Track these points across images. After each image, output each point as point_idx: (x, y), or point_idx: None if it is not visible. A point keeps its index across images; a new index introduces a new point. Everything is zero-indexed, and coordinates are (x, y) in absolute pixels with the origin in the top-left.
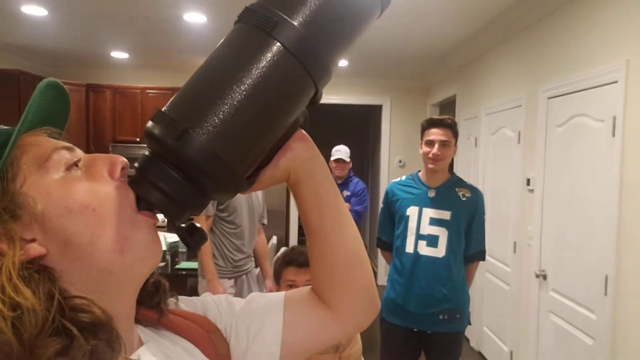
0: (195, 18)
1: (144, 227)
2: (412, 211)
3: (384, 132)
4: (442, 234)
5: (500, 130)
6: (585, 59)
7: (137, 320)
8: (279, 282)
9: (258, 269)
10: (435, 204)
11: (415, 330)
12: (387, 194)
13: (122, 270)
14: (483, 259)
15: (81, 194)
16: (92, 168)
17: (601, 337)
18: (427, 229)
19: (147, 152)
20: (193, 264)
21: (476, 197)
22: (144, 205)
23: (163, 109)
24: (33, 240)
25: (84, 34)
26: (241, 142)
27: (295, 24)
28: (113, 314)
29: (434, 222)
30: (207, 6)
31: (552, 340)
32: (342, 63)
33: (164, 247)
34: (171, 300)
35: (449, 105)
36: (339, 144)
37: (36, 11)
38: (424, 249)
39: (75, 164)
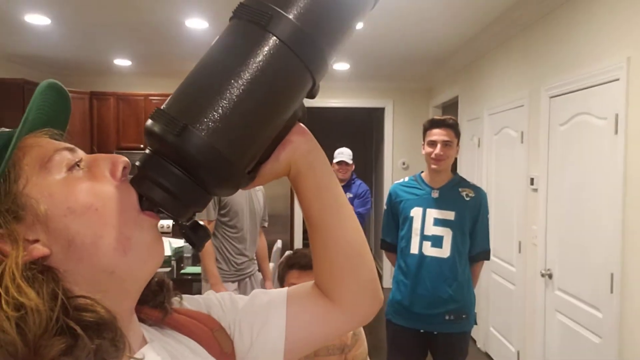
0: (196, 24)
1: (146, 227)
2: (416, 212)
3: (387, 135)
4: (447, 234)
5: (503, 130)
6: (586, 57)
7: (142, 320)
8: (282, 284)
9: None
10: (439, 204)
11: (421, 331)
12: (390, 195)
13: (125, 270)
14: (488, 258)
15: (83, 194)
16: (94, 168)
17: (608, 335)
18: (432, 230)
19: (147, 150)
20: (198, 269)
21: (480, 196)
22: (147, 204)
23: (162, 107)
24: (36, 241)
25: (87, 42)
26: (241, 137)
27: (290, 17)
28: (117, 313)
29: (438, 222)
30: (209, 12)
31: (559, 339)
32: (344, 66)
33: (169, 252)
34: (175, 300)
35: (451, 107)
36: (342, 147)
37: (39, 20)
38: (429, 250)
39: (77, 164)
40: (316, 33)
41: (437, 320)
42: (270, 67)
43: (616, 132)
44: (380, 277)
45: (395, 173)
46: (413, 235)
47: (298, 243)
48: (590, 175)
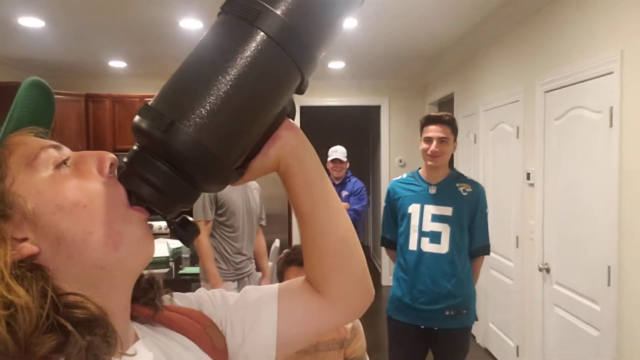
0: (191, 24)
1: (135, 222)
2: (413, 208)
3: (383, 133)
4: (445, 230)
5: (499, 126)
6: (580, 51)
7: (133, 317)
8: (281, 281)
9: (259, 274)
10: (436, 200)
11: (422, 327)
12: (388, 192)
13: (115, 266)
14: (488, 253)
15: (71, 191)
16: (81, 165)
17: (606, 328)
18: (429, 226)
19: (135, 147)
20: (196, 269)
21: (477, 191)
22: (135, 200)
23: (149, 103)
24: (25, 240)
25: (81, 45)
26: (229, 133)
27: (278, 12)
28: (108, 309)
29: (435, 218)
30: (203, 12)
31: (558, 333)
32: (339, 65)
33: (167, 254)
34: (166, 297)
35: (447, 103)
36: (338, 145)
37: (33, 23)
38: (427, 246)
39: (64, 162)
40: (304, 29)
41: (437, 316)
42: (258, 63)
43: (611, 125)
44: (379, 275)
45: (392, 170)
46: (411, 231)
47: (296, 242)
48: (586, 168)
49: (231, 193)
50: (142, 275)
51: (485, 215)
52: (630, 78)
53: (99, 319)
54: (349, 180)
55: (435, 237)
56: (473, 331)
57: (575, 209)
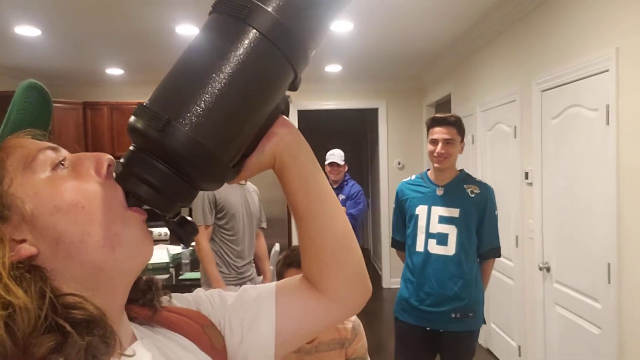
0: (187, 30)
1: (134, 224)
2: (421, 210)
3: (381, 135)
4: (452, 231)
5: (497, 126)
6: (575, 49)
7: (132, 318)
8: None
9: (261, 277)
10: (443, 201)
11: (428, 329)
12: (397, 194)
13: (113, 267)
14: (498, 255)
15: (69, 192)
16: (79, 167)
17: (607, 325)
18: (437, 227)
19: (131, 147)
20: (197, 274)
21: (486, 193)
22: (133, 201)
23: (144, 103)
24: (23, 241)
25: (78, 53)
26: (225, 130)
27: (269, 9)
28: (106, 310)
29: (443, 220)
30: (199, 18)
31: (559, 332)
32: (336, 68)
33: (167, 259)
34: (164, 298)
35: (444, 105)
36: (337, 148)
37: (29, 32)
38: (434, 248)
39: (61, 163)
40: (296, 25)
41: (443, 318)
42: (251, 60)
43: (607, 122)
44: (379, 277)
45: (391, 173)
46: (418, 233)
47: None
48: (584, 166)
49: (230, 196)
50: (140, 277)
51: (495, 217)
52: (625, 75)
53: (98, 320)
54: (347, 184)
55: (442, 239)
56: None
57: (574, 207)
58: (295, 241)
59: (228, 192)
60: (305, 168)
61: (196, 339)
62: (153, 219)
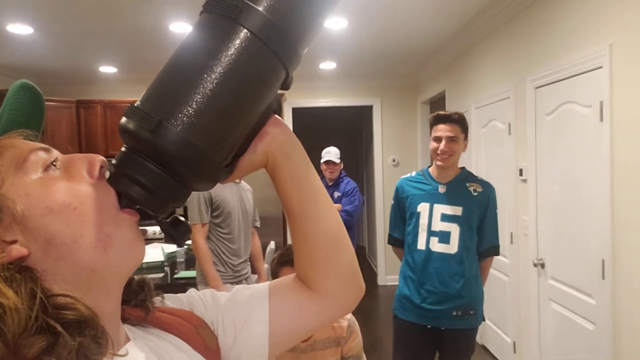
0: (180, 28)
1: (126, 225)
2: (423, 207)
3: (376, 132)
4: (454, 230)
5: (491, 123)
6: (569, 46)
7: (124, 319)
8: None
9: (255, 276)
10: (446, 199)
11: (428, 326)
12: (397, 190)
13: (105, 268)
14: (497, 254)
15: (61, 194)
16: (71, 168)
17: (602, 321)
18: (439, 225)
19: (123, 148)
20: (192, 273)
21: (488, 191)
22: (126, 202)
23: (136, 104)
24: (14, 242)
25: (70, 51)
26: (216, 130)
27: (260, 9)
28: (98, 311)
29: (445, 218)
30: (192, 15)
31: (554, 328)
32: (331, 65)
33: (162, 258)
34: (157, 299)
35: (439, 102)
36: (331, 146)
37: (22, 30)
38: (436, 246)
39: (53, 163)
40: (287, 24)
41: (444, 316)
42: (243, 59)
43: (601, 119)
44: (375, 274)
45: (385, 170)
46: (420, 230)
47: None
48: (578, 163)
49: (226, 195)
50: (132, 278)
51: (495, 215)
52: (619, 72)
53: (89, 320)
54: (342, 181)
55: (444, 237)
56: None
57: (569, 204)
58: (290, 240)
59: (223, 191)
60: (297, 167)
61: (189, 339)
62: (146, 218)
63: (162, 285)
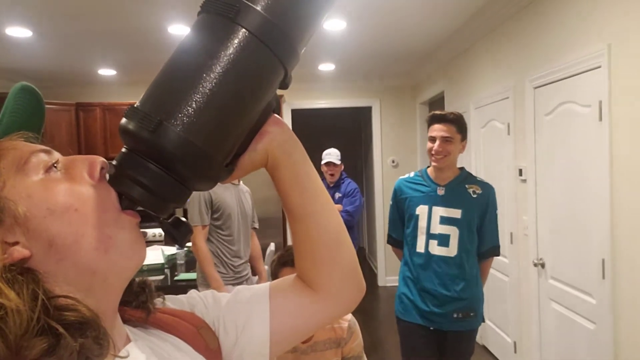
0: (179, 30)
1: (127, 226)
2: (421, 210)
3: (375, 133)
4: (453, 232)
5: (490, 123)
6: (568, 46)
7: (125, 320)
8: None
9: (256, 277)
10: (445, 202)
11: (431, 328)
12: (395, 191)
13: (107, 269)
14: (497, 254)
15: (62, 195)
16: (72, 169)
17: (602, 320)
18: (438, 228)
19: (124, 149)
20: (192, 275)
21: (487, 192)
22: (127, 203)
23: (135, 104)
24: (16, 243)
25: (69, 53)
26: (217, 130)
27: (258, 8)
28: (100, 312)
29: (444, 220)
30: (191, 17)
31: (554, 327)
32: (329, 67)
33: (162, 260)
34: (158, 300)
35: (437, 102)
36: (331, 147)
37: (20, 33)
38: (435, 249)
39: (54, 165)
40: (285, 23)
41: (445, 318)
42: (241, 59)
43: (600, 119)
44: (375, 275)
45: (385, 171)
46: (419, 233)
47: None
48: (577, 163)
49: (225, 196)
50: (133, 279)
51: (495, 216)
52: (617, 72)
53: (91, 322)
54: (343, 182)
55: (443, 240)
56: None
57: (568, 204)
58: (290, 241)
59: (223, 193)
60: (298, 166)
61: (190, 340)
62: (147, 220)
63: (162, 288)
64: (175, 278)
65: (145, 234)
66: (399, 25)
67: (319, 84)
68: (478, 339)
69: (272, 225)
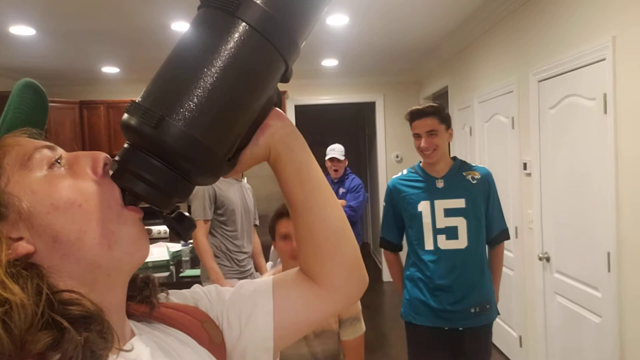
0: (182, 27)
1: (130, 222)
2: (423, 206)
3: (379, 129)
4: (461, 223)
5: (494, 117)
6: (572, 38)
7: (129, 315)
8: (274, 237)
9: (258, 274)
10: (446, 193)
11: (446, 328)
12: (390, 192)
13: (110, 264)
14: (508, 237)
15: (66, 191)
16: (75, 165)
17: (608, 314)
18: (444, 222)
19: (126, 145)
20: (197, 272)
21: (486, 176)
22: (130, 199)
23: (137, 100)
24: (20, 239)
25: (73, 52)
26: (218, 124)
27: (258, 2)
28: (104, 306)
29: (449, 212)
30: (194, 13)
31: (560, 321)
32: (333, 62)
33: (167, 257)
34: (162, 295)
35: (441, 97)
36: (335, 143)
37: (24, 31)
38: (445, 243)
39: (57, 161)
40: (285, 17)
41: (462, 315)
42: (242, 53)
43: (605, 111)
44: (380, 271)
45: (389, 167)
46: (425, 230)
47: None
48: (582, 156)
49: (229, 193)
50: (137, 274)
51: (498, 198)
52: (622, 64)
53: (95, 316)
54: (347, 178)
55: (452, 233)
56: None
57: (573, 197)
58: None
59: (227, 189)
60: (299, 159)
61: (195, 334)
62: (152, 217)
63: (167, 284)
64: (181, 275)
65: (150, 231)
66: (402, 19)
67: (322, 79)
68: None
69: None
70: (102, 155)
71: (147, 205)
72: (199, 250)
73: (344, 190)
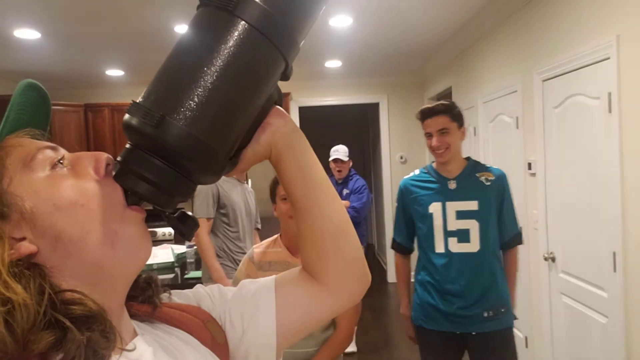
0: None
1: (133, 222)
2: (435, 208)
3: (383, 130)
4: (473, 226)
5: (498, 117)
6: (576, 37)
7: (132, 315)
8: (274, 199)
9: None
10: (458, 195)
11: (458, 332)
12: (401, 192)
13: (113, 264)
14: (521, 241)
15: (69, 191)
16: (77, 165)
17: (614, 314)
18: (455, 224)
19: (127, 145)
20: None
21: (501, 177)
22: (132, 199)
23: (138, 100)
24: (23, 239)
25: (77, 55)
26: (219, 123)
27: (257, 0)
28: (107, 306)
29: (461, 215)
30: None
31: (566, 321)
32: (336, 64)
33: (172, 259)
34: (164, 295)
35: (445, 98)
36: (339, 144)
37: (29, 35)
38: (456, 246)
39: (60, 162)
40: (284, 15)
41: (474, 319)
42: (242, 51)
43: (610, 110)
44: (384, 272)
45: (393, 168)
46: (436, 233)
47: None
48: (587, 155)
49: (232, 194)
50: (140, 275)
51: (512, 201)
52: (626, 63)
53: (98, 315)
54: (351, 179)
55: (463, 236)
56: None
57: (578, 197)
58: None
59: (230, 190)
60: (301, 157)
61: (197, 334)
62: (155, 217)
63: (172, 286)
64: (186, 276)
65: (155, 233)
66: (405, 20)
67: (325, 80)
68: None
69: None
70: (105, 156)
71: (150, 207)
72: (201, 248)
73: (347, 191)
